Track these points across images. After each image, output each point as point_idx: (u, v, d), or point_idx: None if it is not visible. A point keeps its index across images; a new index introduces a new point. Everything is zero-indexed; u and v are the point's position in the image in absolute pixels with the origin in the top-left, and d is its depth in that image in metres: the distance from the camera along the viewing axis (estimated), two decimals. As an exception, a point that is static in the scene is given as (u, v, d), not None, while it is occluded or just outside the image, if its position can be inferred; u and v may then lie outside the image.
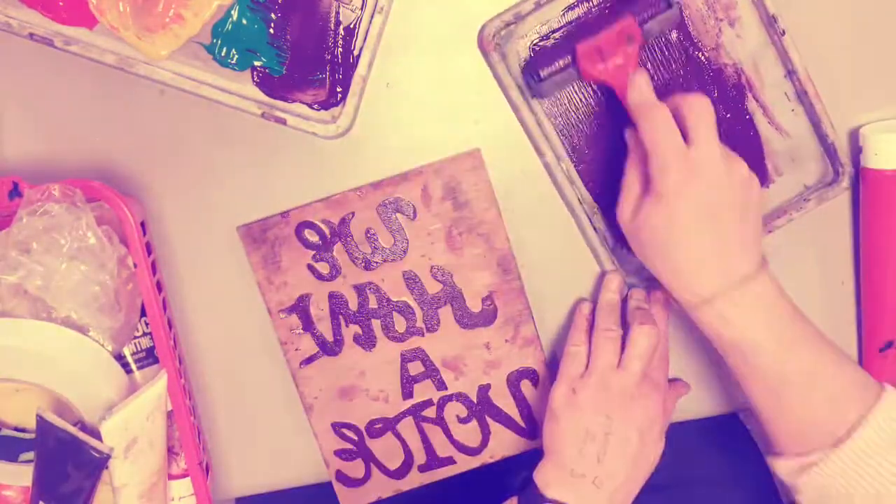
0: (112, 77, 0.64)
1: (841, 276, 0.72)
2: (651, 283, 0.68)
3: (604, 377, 0.63)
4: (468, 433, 0.72)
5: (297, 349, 0.69)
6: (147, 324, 0.64)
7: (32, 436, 0.62)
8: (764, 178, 0.69)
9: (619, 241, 0.69)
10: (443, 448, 0.72)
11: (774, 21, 0.65)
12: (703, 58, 0.67)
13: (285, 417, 0.71)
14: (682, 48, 0.67)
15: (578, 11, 0.66)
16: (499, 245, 0.69)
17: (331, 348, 0.70)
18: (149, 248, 0.64)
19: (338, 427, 0.71)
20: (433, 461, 0.72)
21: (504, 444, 0.72)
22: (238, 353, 0.70)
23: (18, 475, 0.64)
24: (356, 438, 0.71)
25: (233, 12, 0.62)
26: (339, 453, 0.71)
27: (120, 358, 0.63)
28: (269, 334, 0.69)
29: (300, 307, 0.69)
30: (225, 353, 0.70)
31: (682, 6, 0.65)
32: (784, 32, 0.65)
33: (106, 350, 0.61)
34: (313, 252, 0.68)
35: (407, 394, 0.71)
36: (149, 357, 0.65)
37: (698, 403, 0.73)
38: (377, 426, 0.71)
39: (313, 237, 0.68)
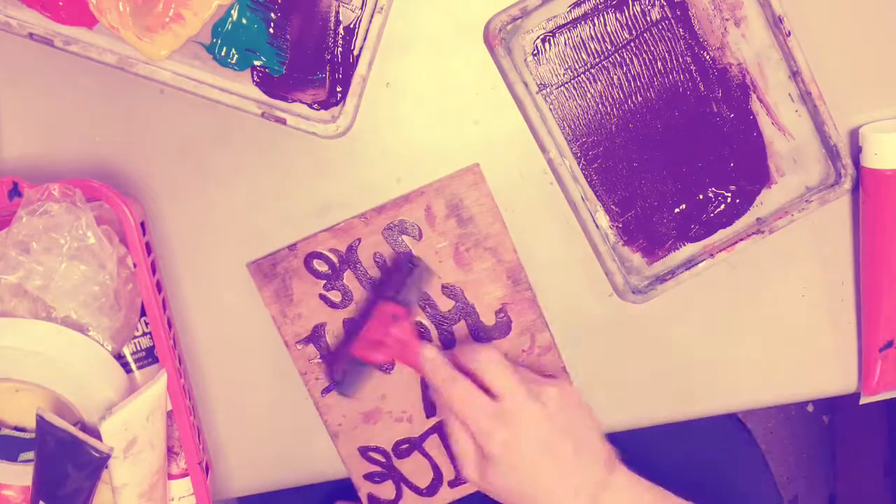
0: (112, 77, 0.64)
1: (841, 276, 0.72)
2: (651, 285, 0.68)
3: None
4: None
5: (316, 378, 0.70)
6: (147, 323, 0.64)
7: (32, 436, 0.62)
8: (766, 178, 0.69)
9: (620, 238, 0.69)
10: None
11: (780, 21, 0.65)
12: (707, 57, 0.67)
13: (285, 417, 0.71)
14: (687, 47, 0.67)
15: (585, 7, 0.65)
16: (507, 257, 0.69)
17: None
18: (149, 248, 0.64)
19: (365, 451, 0.71)
20: (462, 476, 0.72)
21: None
22: (238, 353, 0.70)
23: (18, 475, 0.64)
24: (384, 460, 0.71)
25: (233, 12, 0.62)
26: (369, 477, 0.71)
27: (120, 358, 0.63)
28: (268, 334, 0.69)
29: (316, 337, 0.69)
30: (225, 352, 0.70)
31: (425, 266, 0.67)
32: (790, 33, 0.65)
33: (106, 350, 0.61)
34: (324, 281, 0.68)
35: (430, 412, 0.71)
36: (149, 357, 0.65)
37: (698, 403, 0.73)
38: (403, 446, 0.71)
39: (322, 267, 0.68)
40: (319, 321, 0.69)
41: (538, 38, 0.66)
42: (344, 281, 0.68)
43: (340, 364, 0.67)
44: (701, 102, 0.68)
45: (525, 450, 0.61)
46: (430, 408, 0.71)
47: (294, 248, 0.68)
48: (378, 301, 0.66)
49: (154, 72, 0.62)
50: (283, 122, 0.63)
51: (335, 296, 0.69)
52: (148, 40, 0.59)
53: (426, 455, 0.71)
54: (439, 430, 0.71)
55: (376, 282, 0.69)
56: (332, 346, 0.69)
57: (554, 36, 0.66)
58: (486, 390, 0.62)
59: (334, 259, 0.68)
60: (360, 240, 0.68)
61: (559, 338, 0.71)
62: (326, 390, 0.70)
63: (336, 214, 0.68)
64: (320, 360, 0.69)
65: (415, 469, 0.71)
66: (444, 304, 0.69)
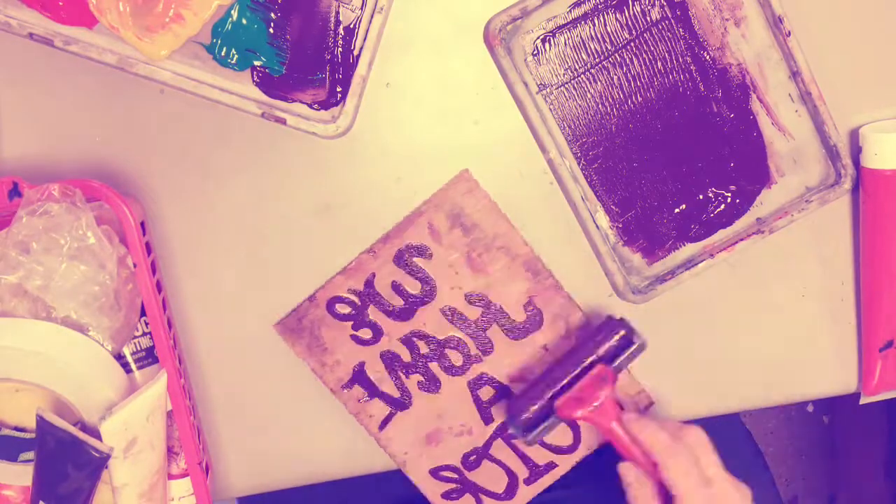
0: (112, 77, 0.64)
1: (841, 276, 0.72)
2: (651, 285, 0.68)
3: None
4: (558, 435, 0.71)
5: (370, 416, 0.70)
6: (147, 323, 0.64)
7: (32, 436, 0.62)
8: (766, 178, 0.69)
9: (620, 238, 0.69)
10: (540, 456, 0.72)
11: (780, 22, 0.65)
12: (707, 57, 0.67)
13: (286, 417, 0.71)
14: (687, 47, 0.67)
15: (585, 7, 0.65)
16: (520, 251, 0.69)
17: (401, 403, 0.70)
18: (149, 248, 0.64)
19: (436, 472, 0.71)
20: (536, 471, 0.72)
21: (594, 435, 0.72)
22: (238, 353, 0.70)
23: (18, 475, 0.64)
24: (457, 476, 0.72)
25: (233, 12, 0.62)
26: (446, 495, 0.72)
27: (120, 358, 0.63)
28: (267, 334, 0.69)
29: (358, 377, 0.69)
30: (225, 352, 0.70)
31: (645, 342, 0.66)
32: (790, 33, 0.65)
33: (106, 350, 0.61)
34: (351, 322, 0.69)
35: (487, 419, 0.71)
36: (149, 357, 0.65)
37: (698, 403, 0.73)
38: (472, 458, 0.72)
39: (345, 309, 0.68)
40: (357, 361, 0.69)
41: (538, 38, 0.66)
42: (370, 317, 0.69)
43: (534, 413, 0.66)
44: (701, 102, 0.68)
45: None
46: (486, 415, 0.71)
47: (314, 298, 0.68)
48: (595, 364, 0.66)
49: (154, 72, 0.62)
50: (283, 122, 0.63)
51: (365, 333, 0.69)
52: (148, 40, 0.59)
53: (495, 460, 0.72)
54: (502, 433, 0.71)
55: (591, 342, 0.68)
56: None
57: (554, 36, 0.66)
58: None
59: (355, 299, 0.68)
60: (374, 273, 0.68)
61: (559, 338, 0.71)
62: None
63: (336, 214, 0.68)
64: (369, 399, 0.70)
65: (488, 477, 0.72)
66: (472, 313, 0.69)
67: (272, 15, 0.62)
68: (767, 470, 0.83)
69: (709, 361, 0.72)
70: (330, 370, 0.69)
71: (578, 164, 0.68)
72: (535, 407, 0.66)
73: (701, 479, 0.60)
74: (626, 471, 0.63)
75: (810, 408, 1.55)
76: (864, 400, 0.74)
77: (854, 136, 0.69)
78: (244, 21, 0.62)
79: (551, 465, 0.72)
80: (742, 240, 0.68)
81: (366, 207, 0.68)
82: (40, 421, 0.59)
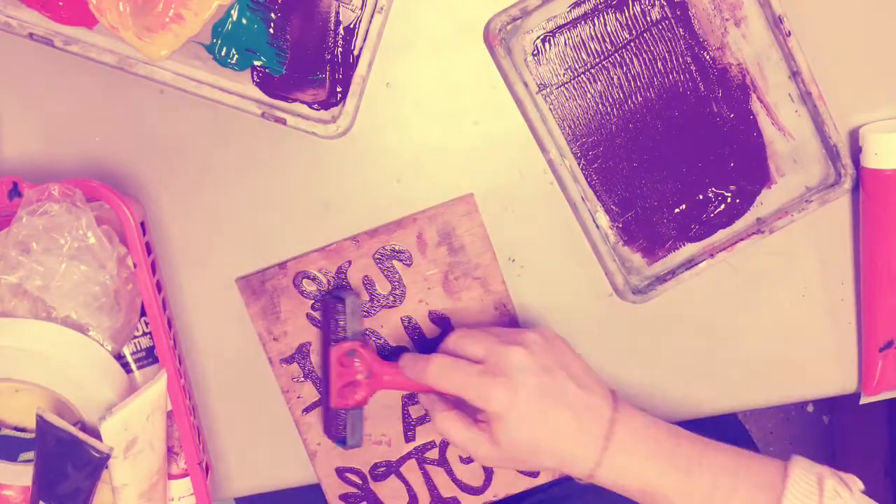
0: (112, 77, 0.64)
1: (841, 275, 0.72)
2: (651, 285, 0.68)
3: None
4: (471, 473, 0.72)
5: (298, 397, 0.70)
6: (147, 323, 0.64)
7: (32, 436, 0.62)
8: (766, 178, 0.69)
9: (620, 238, 0.69)
10: (447, 489, 0.72)
11: (780, 21, 0.65)
12: (707, 57, 0.67)
13: (285, 417, 0.71)
14: (687, 47, 0.67)
15: (585, 7, 0.65)
16: (495, 288, 0.69)
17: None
18: (149, 248, 0.64)
19: (342, 472, 0.71)
20: (437, 502, 0.72)
21: (506, 482, 0.72)
22: (238, 353, 0.70)
23: (18, 475, 0.64)
24: (360, 482, 0.71)
25: (233, 12, 0.62)
26: (344, 497, 0.71)
27: (120, 358, 0.63)
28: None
29: (300, 355, 0.69)
30: (225, 352, 0.70)
31: (352, 293, 0.67)
32: (790, 33, 0.65)
33: (106, 350, 0.61)
34: (312, 301, 0.68)
35: (409, 437, 0.71)
36: (149, 357, 0.65)
37: (698, 403, 0.73)
38: (380, 469, 0.71)
39: (311, 287, 0.68)
40: (305, 340, 0.69)
41: (538, 38, 0.66)
42: None
43: (333, 422, 0.67)
44: (701, 102, 0.68)
45: (527, 396, 0.59)
46: (410, 433, 0.71)
47: (284, 266, 0.68)
48: (329, 348, 0.66)
49: (154, 72, 0.62)
50: (283, 122, 0.63)
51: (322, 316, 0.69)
52: (148, 40, 0.59)
53: (403, 479, 0.71)
54: (417, 455, 0.71)
55: (321, 334, 0.68)
56: (317, 369, 0.69)
57: (554, 36, 0.66)
58: None
59: (323, 279, 0.68)
60: (350, 262, 0.68)
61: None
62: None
63: (336, 214, 0.68)
64: (303, 379, 0.69)
65: (390, 493, 0.72)
66: (431, 332, 0.69)
67: (272, 15, 0.62)
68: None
69: (709, 361, 0.72)
70: (275, 340, 0.69)
71: (578, 164, 0.68)
72: (331, 417, 0.66)
73: (471, 373, 0.60)
74: (424, 399, 0.66)
75: (810, 408, 1.55)
76: (864, 400, 0.74)
77: (854, 136, 0.69)
78: (244, 21, 0.62)
79: (454, 501, 0.72)
80: (742, 240, 0.68)
81: (366, 207, 0.68)
82: (40, 421, 0.59)
